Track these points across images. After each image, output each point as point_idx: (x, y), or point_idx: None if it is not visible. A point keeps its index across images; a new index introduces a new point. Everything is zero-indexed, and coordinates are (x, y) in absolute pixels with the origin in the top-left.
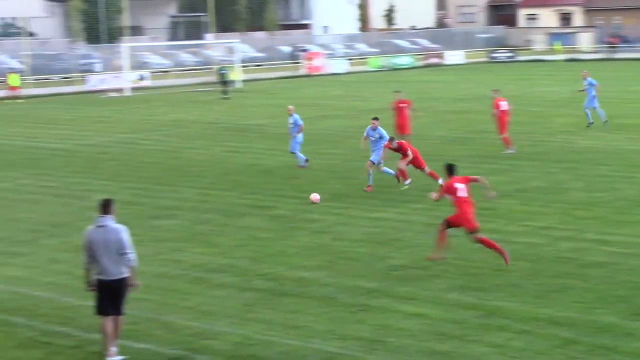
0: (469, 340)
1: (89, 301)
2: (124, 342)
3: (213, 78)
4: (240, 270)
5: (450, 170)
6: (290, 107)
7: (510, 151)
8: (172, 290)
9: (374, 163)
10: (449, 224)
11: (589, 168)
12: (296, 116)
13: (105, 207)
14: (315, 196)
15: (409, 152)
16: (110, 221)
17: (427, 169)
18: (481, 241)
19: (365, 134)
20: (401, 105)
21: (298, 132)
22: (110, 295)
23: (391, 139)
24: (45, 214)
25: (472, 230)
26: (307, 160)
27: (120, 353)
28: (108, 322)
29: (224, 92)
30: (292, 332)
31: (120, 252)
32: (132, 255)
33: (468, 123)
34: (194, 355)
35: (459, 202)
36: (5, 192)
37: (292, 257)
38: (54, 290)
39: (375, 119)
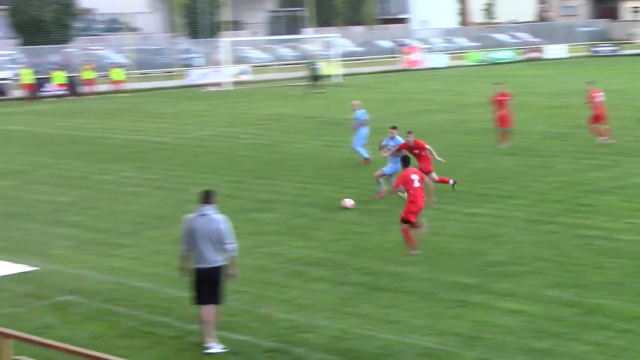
0: (569, 338)
1: (189, 292)
2: (223, 333)
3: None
4: (337, 264)
5: (405, 162)
6: (356, 102)
7: (602, 140)
8: (269, 283)
9: (384, 174)
10: (411, 222)
11: None
12: (360, 111)
13: (207, 197)
14: (348, 202)
15: (427, 147)
16: (212, 211)
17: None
18: (405, 233)
19: (384, 143)
20: (502, 98)
21: (358, 126)
22: (208, 284)
23: (408, 133)
24: (148, 206)
25: (409, 223)
26: (367, 159)
27: (218, 344)
28: (206, 311)
29: (314, 87)
30: (388, 326)
31: (222, 242)
32: (233, 245)
33: (569, 118)
34: (290, 348)
35: (415, 192)
36: (109, 185)
37: (389, 252)
38: (156, 281)
39: (394, 128)
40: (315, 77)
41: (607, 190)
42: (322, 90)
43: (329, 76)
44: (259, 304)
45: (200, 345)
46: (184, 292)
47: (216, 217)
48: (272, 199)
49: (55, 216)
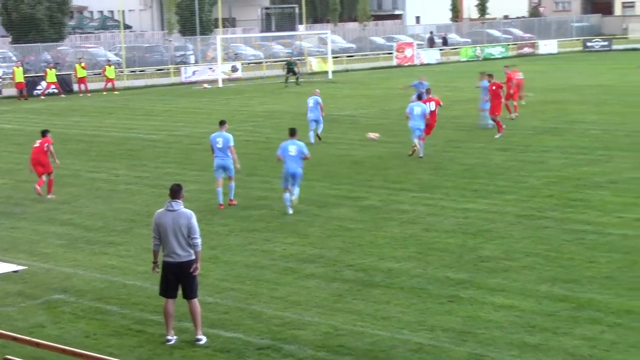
0: (560, 332)
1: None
2: (214, 330)
3: (304, 69)
4: (329, 261)
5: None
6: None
7: (513, 115)
8: (261, 280)
9: None
10: None
11: None
12: None
13: (176, 192)
14: (373, 135)
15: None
16: (180, 206)
17: None
18: None
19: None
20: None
21: None
22: (175, 278)
23: None
24: (140, 204)
25: None
26: None
27: (209, 342)
28: (170, 304)
29: (286, 80)
30: (381, 322)
31: (189, 236)
32: (199, 240)
33: (561, 113)
34: (282, 345)
35: None
36: (100, 183)
37: (381, 248)
38: (147, 280)
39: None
40: (290, 72)
41: (598, 185)
42: (287, 84)
43: (297, 74)
44: (251, 301)
45: (192, 344)
46: None
47: (185, 212)
48: (264, 195)
49: (46, 215)
